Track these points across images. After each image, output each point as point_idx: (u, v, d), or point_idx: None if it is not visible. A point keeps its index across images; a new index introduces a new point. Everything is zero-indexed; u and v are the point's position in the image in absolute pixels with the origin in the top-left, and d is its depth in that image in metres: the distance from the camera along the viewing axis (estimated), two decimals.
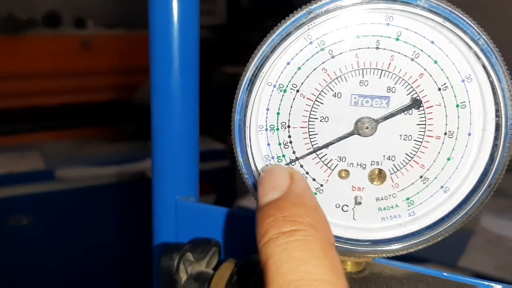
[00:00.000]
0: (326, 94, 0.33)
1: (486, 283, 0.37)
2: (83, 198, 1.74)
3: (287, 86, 0.33)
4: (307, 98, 0.33)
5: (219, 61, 2.21)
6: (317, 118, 0.33)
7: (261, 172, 0.34)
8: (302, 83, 0.33)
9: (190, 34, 0.49)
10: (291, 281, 0.24)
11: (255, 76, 0.32)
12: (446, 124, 0.33)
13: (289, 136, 0.34)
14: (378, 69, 0.32)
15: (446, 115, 0.32)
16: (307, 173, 0.35)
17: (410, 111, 0.33)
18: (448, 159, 0.33)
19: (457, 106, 0.32)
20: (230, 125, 0.34)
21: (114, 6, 2.38)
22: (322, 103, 0.33)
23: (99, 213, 1.78)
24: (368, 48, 0.32)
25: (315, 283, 0.24)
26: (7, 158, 1.79)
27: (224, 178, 1.99)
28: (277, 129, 0.34)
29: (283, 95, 0.34)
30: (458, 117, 0.32)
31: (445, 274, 0.37)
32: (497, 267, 1.17)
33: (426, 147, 0.33)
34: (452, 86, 0.32)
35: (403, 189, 0.34)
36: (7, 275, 1.65)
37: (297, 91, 0.33)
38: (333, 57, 0.32)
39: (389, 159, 0.33)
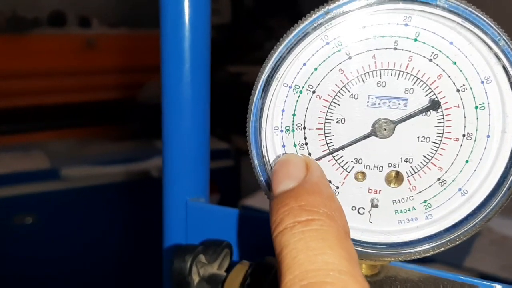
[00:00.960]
0: (342, 95, 0.33)
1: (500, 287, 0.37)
2: (88, 197, 1.74)
3: (303, 87, 0.33)
4: (323, 99, 0.33)
5: (223, 60, 2.20)
6: (333, 120, 0.33)
7: (274, 162, 0.33)
8: (318, 84, 0.33)
9: (201, 34, 0.48)
10: (307, 271, 0.24)
11: (271, 77, 0.32)
12: (465, 126, 0.32)
13: (305, 138, 0.34)
14: (396, 70, 0.32)
15: (465, 117, 0.32)
16: None
17: (428, 112, 0.32)
18: (467, 161, 0.33)
19: (476, 107, 0.32)
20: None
21: (119, 6, 2.38)
22: (339, 104, 0.33)
23: (104, 212, 1.78)
24: (386, 48, 0.32)
25: (332, 273, 0.24)
26: (12, 157, 1.79)
27: (228, 178, 1.99)
28: (293, 130, 0.34)
29: (299, 96, 0.33)
30: (477, 119, 0.32)
31: (462, 277, 0.37)
32: (502, 268, 1.17)
33: (444, 149, 0.33)
34: (471, 88, 0.32)
35: (420, 192, 0.34)
36: (12, 274, 1.65)
37: (313, 92, 0.33)
38: (350, 57, 0.32)
39: (407, 161, 0.33)
